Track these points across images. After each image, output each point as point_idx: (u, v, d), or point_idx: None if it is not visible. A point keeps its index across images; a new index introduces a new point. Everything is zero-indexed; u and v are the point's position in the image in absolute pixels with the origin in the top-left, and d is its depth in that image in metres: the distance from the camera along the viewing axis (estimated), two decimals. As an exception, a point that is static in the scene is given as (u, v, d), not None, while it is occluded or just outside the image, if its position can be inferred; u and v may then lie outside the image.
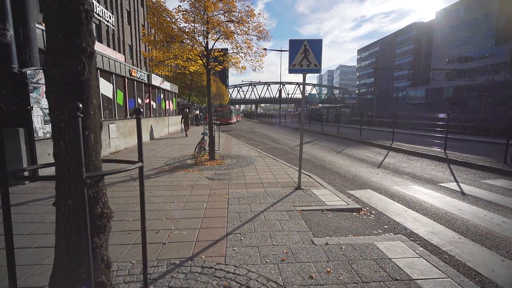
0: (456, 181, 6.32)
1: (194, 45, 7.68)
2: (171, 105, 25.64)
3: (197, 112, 56.49)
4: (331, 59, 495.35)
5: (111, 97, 12.22)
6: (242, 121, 52.60)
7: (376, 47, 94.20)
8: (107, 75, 11.83)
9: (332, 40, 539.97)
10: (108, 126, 10.06)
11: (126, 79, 14.07)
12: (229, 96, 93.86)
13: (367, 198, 5.18)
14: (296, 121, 37.26)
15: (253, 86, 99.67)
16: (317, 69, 5.31)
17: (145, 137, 14.53)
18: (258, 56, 8.61)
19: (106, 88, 11.63)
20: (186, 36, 7.43)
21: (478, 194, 5.31)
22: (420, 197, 5.21)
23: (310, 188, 5.68)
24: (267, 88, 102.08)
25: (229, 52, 8.76)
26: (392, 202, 4.91)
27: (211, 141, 8.87)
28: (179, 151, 11.09)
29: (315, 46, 5.24)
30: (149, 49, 8.09)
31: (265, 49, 31.91)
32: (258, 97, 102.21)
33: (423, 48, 73.19)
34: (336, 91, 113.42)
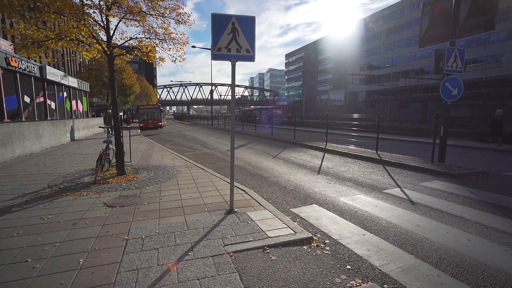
0: (398, 186, 5.95)
1: (81, 20, 5.59)
2: (80, 106, 21.44)
3: (120, 114, 49.90)
4: (262, 62, 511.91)
5: (-28, 93, 8.82)
6: (172, 124, 48.57)
7: (301, 52, 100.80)
8: (-38, 62, 8.45)
9: (261, 45, 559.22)
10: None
11: (1, 70, 10.56)
12: (158, 96, 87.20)
13: (315, 219, 4.18)
14: (229, 122, 36.06)
15: (184, 87, 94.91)
16: (249, 56, 4.07)
17: (33, 147, 11.15)
18: (178, 44, 6.98)
19: (-41, 79, 8.25)
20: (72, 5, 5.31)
21: (426, 201, 4.89)
22: (371, 211, 4.48)
23: (246, 211, 4.41)
24: (199, 90, 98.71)
25: (140, 37, 6.87)
26: (345, 222, 4.01)
27: (119, 150, 6.83)
28: (80, 164, 8.56)
29: (247, 25, 3.99)
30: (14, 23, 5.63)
31: (194, 46, 29.68)
32: (190, 98, 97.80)
33: (341, 56, 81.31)
34: (267, 93, 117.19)
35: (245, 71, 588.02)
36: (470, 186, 5.88)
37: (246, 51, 4.04)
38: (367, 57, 68.46)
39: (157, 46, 7.00)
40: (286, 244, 3.33)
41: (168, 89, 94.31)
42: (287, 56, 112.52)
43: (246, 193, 5.44)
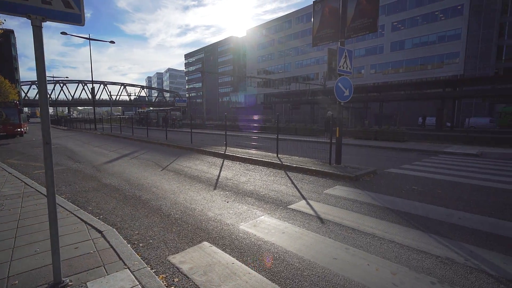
0: (304, 197, 5.26)
1: None
2: None
3: None
4: (160, 62, 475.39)
5: None
6: (38, 129, 37.88)
7: (201, 53, 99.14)
8: None
9: (159, 44, 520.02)
10: None
11: None
12: (23, 95, 68.27)
13: (204, 273, 2.79)
14: (118, 126, 30.78)
15: (62, 84, 77.53)
16: (72, 15, 2.31)
17: None
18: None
19: None
20: None
21: (335, 216, 4.25)
22: (278, 241, 3.44)
23: (88, 278, 2.62)
24: (83, 88, 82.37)
25: None
26: (247, 272, 2.78)
27: None
28: None
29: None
30: None
31: (64, 33, 23.84)
32: (71, 98, 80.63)
33: (240, 59, 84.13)
34: (167, 94, 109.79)
35: (141, 70, 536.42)
36: (368, 189, 5.77)
37: (64, 4, 2.27)
38: (263, 63, 72.94)
39: None
40: None
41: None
42: (187, 56, 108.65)
43: (103, 237, 3.56)
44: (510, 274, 2.68)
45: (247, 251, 3.23)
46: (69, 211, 4.51)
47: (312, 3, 7.80)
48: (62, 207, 4.74)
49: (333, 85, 6.99)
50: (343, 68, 6.90)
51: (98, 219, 4.30)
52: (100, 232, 3.72)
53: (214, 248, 3.32)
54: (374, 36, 50.88)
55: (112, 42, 28.75)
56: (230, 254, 3.16)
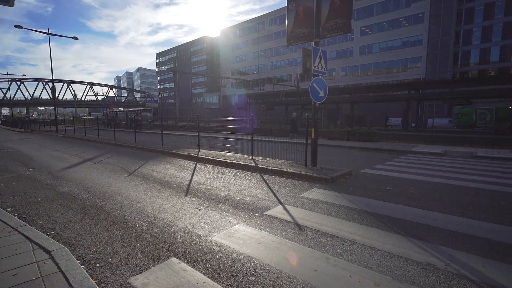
0: (280, 202, 5.04)
1: None
2: None
3: None
4: (130, 61, 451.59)
5: None
6: None
7: (174, 53, 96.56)
8: None
9: (129, 42, 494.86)
10: None
11: None
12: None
13: (170, 296, 2.44)
14: (90, 127, 28.64)
15: (19, 83, 71.01)
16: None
17: None
18: None
19: None
20: None
21: (313, 222, 4.07)
22: (254, 253, 3.17)
23: (24, 316, 2.16)
24: (44, 87, 76.03)
25: None
26: (219, 293, 2.48)
27: None
28: None
29: None
30: None
31: (19, 26, 21.93)
32: (30, 97, 74.08)
33: (214, 60, 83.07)
34: (138, 95, 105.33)
35: (110, 68, 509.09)
36: (344, 191, 5.70)
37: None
38: (237, 63, 72.59)
39: None
40: None
41: (-11, 84, 68.15)
42: (158, 55, 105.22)
43: (52, 258, 3.06)
44: (490, 279, 2.64)
45: (221, 267, 2.92)
46: (12, 228, 3.90)
47: (285, 5, 7.68)
48: (4, 223, 4.10)
49: (306, 87, 6.93)
50: (318, 68, 6.83)
51: (49, 235, 3.76)
52: (48, 252, 3.20)
53: (183, 265, 2.97)
54: (344, 40, 52.70)
55: (75, 38, 26.85)
56: (201, 272, 2.83)
